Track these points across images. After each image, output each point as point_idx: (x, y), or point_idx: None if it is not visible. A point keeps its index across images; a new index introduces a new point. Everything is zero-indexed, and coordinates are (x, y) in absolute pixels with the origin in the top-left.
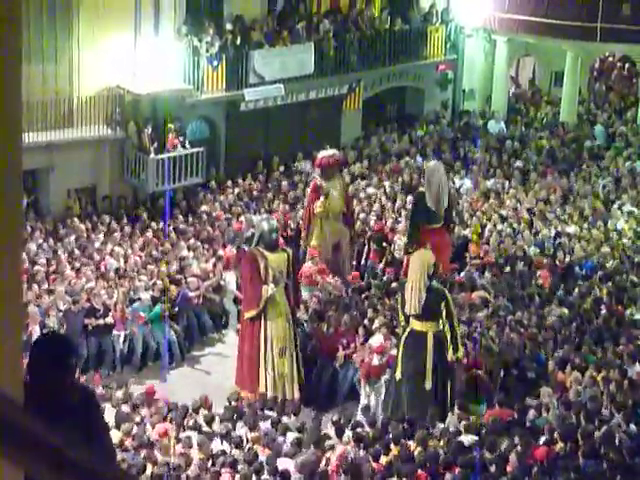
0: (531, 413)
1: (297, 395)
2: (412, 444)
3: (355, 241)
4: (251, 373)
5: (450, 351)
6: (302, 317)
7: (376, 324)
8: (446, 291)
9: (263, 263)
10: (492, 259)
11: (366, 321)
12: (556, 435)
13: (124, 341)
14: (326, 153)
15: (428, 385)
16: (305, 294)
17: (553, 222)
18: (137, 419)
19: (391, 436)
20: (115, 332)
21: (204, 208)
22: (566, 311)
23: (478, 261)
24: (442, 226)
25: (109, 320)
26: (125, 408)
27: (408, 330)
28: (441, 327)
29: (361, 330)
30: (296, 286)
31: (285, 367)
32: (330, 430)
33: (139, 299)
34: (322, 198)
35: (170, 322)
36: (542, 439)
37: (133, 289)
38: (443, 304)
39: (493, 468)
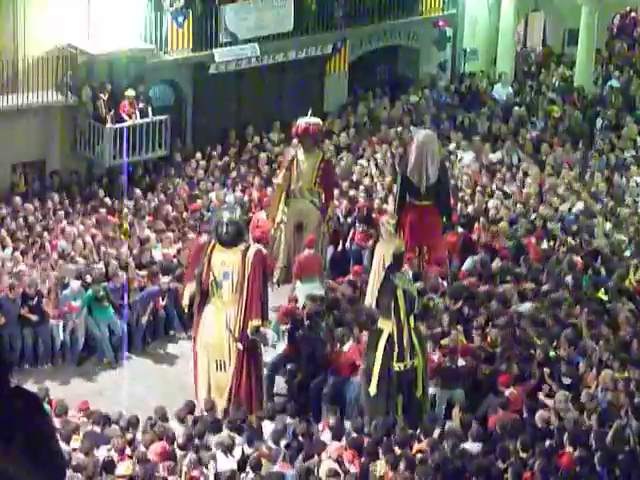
0: (539, 415)
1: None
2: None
3: (328, 228)
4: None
5: (394, 358)
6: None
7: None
8: (400, 286)
9: (206, 258)
10: (501, 244)
11: None
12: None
13: (64, 331)
14: (306, 120)
15: (372, 390)
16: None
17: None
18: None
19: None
20: (53, 322)
21: (167, 185)
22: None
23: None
24: (430, 206)
25: (47, 309)
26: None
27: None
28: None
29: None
30: (259, 295)
31: (222, 382)
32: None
33: (67, 286)
34: (284, 169)
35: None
36: (547, 443)
37: (67, 274)
38: (392, 300)
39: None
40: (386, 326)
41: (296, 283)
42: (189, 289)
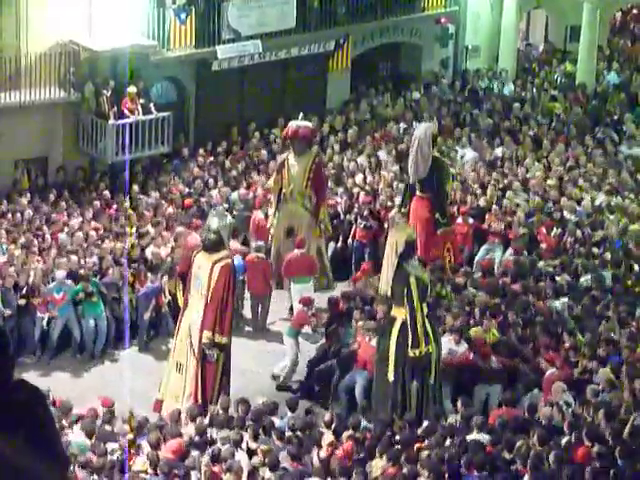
0: (542, 411)
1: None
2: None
3: (319, 232)
4: None
5: (409, 344)
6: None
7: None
8: (412, 273)
9: (192, 259)
10: (516, 232)
11: None
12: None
13: (48, 325)
14: (297, 123)
15: (390, 376)
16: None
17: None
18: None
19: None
20: (38, 314)
21: (168, 182)
22: None
23: (498, 231)
24: (425, 198)
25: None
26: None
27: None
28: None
29: None
30: (219, 308)
31: (177, 385)
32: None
33: (53, 279)
34: (275, 172)
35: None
36: (564, 440)
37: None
38: (405, 288)
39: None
40: (399, 313)
41: (290, 284)
42: (169, 285)
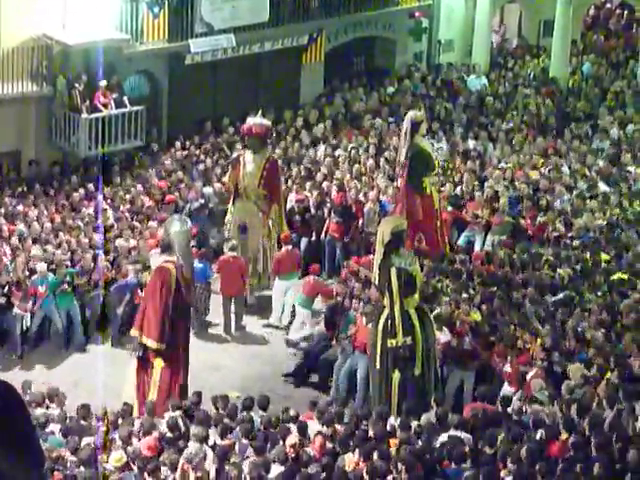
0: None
1: None
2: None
3: (270, 231)
4: None
5: (389, 334)
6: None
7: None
8: (394, 264)
9: None
10: (501, 219)
11: None
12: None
13: (32, 319)
14: (253, 120)
15: (377, 364)
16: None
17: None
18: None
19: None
20: (18, 311)
21: (140, 175)
22: None
23: (482, 220)
24: (406, 184)
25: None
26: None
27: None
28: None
29: None
30: (146, 310)
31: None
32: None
33: (31, 271)
34: (230, 168)
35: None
36: (539, 433)
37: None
38: (387, 280)
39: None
40: (386, 302)
41: (275, 279)
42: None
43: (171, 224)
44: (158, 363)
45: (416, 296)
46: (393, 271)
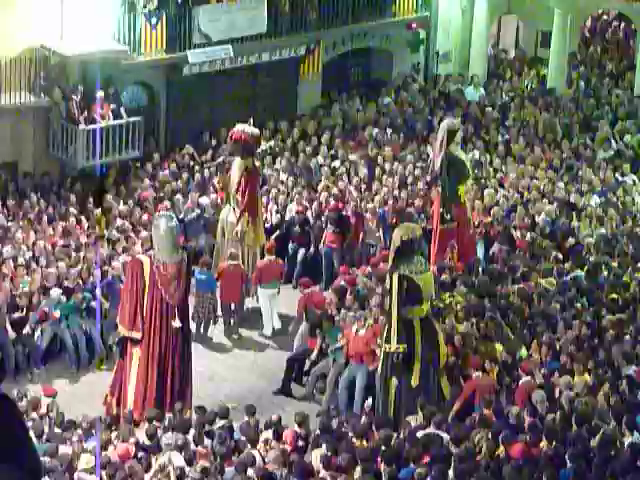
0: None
1: None
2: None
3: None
4: None
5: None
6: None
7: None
8: (398, 271)
9: None
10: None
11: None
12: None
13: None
14: (242, 128)
15: (379, 370)
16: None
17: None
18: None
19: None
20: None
21: (137, 187)
22: None
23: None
24: (438, 193)
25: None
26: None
27: None
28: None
29: None
30: (124, 302)
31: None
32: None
33: (43, 291)
34: (219, 174)
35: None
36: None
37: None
38: (389, 285)
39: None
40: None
41: (257, 288)
42: None
43: (158, 221)
44: (136, 352)
45: (423, 306)
46: (395, 277)
